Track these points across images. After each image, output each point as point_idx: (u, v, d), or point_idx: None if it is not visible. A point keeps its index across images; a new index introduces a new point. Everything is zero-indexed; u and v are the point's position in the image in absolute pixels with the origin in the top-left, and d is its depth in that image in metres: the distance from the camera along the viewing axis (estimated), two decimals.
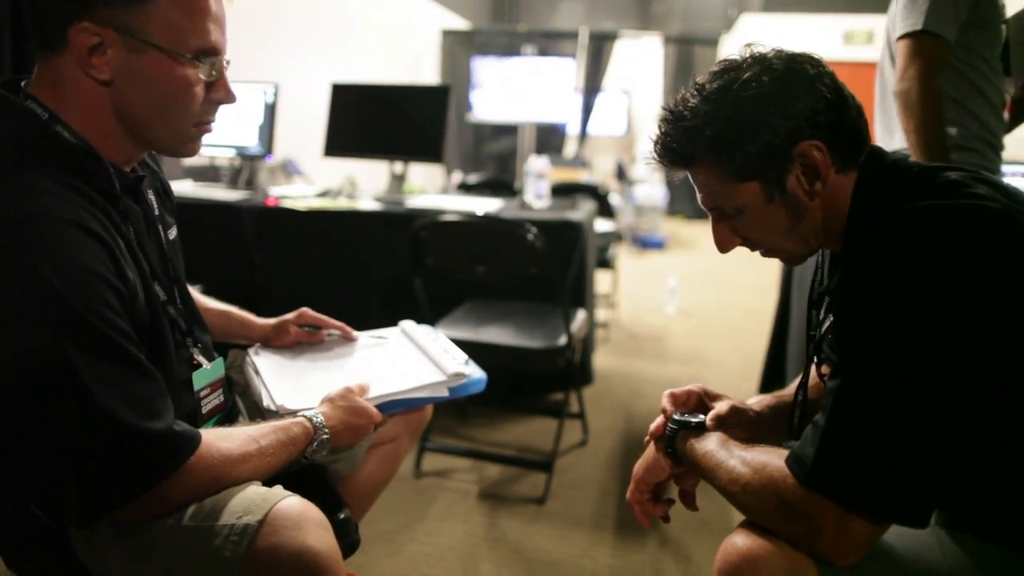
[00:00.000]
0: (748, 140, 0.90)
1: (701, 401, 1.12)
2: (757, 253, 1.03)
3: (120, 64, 0.87)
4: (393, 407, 1.19)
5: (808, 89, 0.90)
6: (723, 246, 1.00)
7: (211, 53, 0.92)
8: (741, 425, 1.07)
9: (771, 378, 2.80)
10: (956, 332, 0.77)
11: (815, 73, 0.91)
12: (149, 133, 0.94)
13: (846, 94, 0.93)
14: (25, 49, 1.90)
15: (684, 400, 1.11)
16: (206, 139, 1.01)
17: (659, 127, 0.98)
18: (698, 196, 1.00)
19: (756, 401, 1.15)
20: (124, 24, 0.86)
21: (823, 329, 1.01)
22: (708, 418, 1.03)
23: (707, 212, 1.00)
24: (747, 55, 0.95)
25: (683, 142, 0.95)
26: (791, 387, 1.18)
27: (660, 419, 1.08)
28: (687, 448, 0.99)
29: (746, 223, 0.96)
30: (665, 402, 1.10)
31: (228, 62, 0.96)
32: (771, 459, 0.86)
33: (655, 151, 0.99)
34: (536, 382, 2.96)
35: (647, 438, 1.09)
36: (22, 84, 0.91)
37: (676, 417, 1.03)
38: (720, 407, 1.07)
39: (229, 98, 0.98)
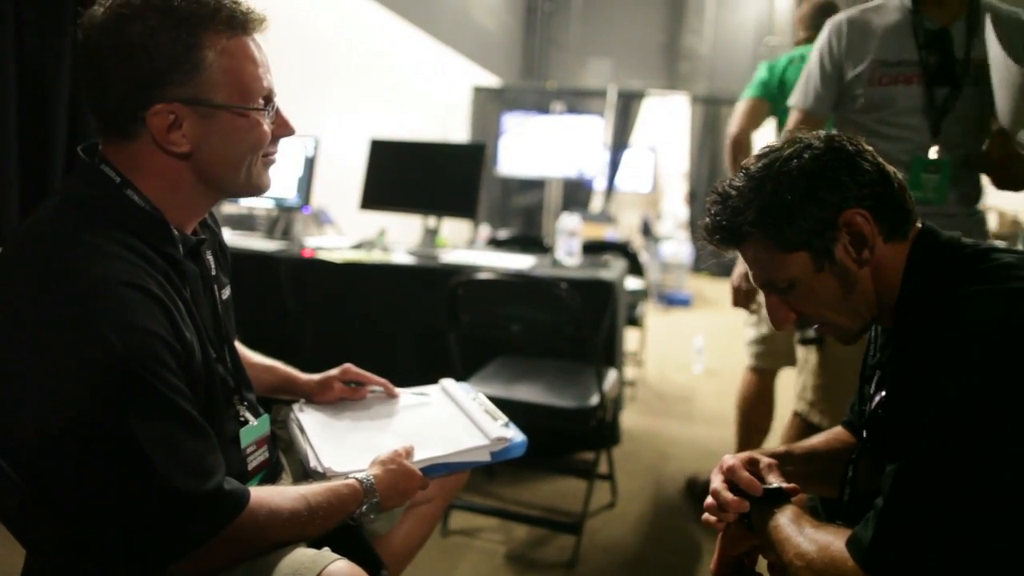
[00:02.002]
0: (794, 212, 0.93)
1: (752, 467, 1.10)
2: None
3: (196, 133, 0.91)
4: (436, 471, 1.19)
5: (849, 164, 0.93)
6: (779, 322, 1.01)
7: (269, 97, 0.97)
8: (793, 466, 1.08)
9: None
10: (1019, 419, 0.76)
11: (854, 150, 0.95)
12: (228, 184, 0.98)
13: (887, 169, 0.96)
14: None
15: (735, 469, 1.08)
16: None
17: (708, 209, 1.01)
18: (750, 274, 1.01)
19: (794, 444, 1.17)
20: (190, 95, 0.90)
21: (874, 403, 1.01)
22: (786, 486, 1.01)
23: (760, 289, 1.02)
24: (788, 140, 0.98)
25: (731, 220, 0.98)
26: (819, 441, 1.19)
27: (727, 493, 1.03)
28: (759, 519, 0.99)
29: (798, 296, 0.98)
30: (719, 481, 1.06)
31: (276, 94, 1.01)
32: (836, 539, 0.86)
33: (705, 231, 1.02)
34: (563, 441, 2.93)
35: (729, 515, 1.04)
36: (99, 147, 0.95)
37: (769, 487, 1.01)
38: (775, 472, 1.05)
39: (288, 131, 1.02)
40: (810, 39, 3.50)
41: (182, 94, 0.89)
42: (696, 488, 2.65)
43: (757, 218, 0.94)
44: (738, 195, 0.97)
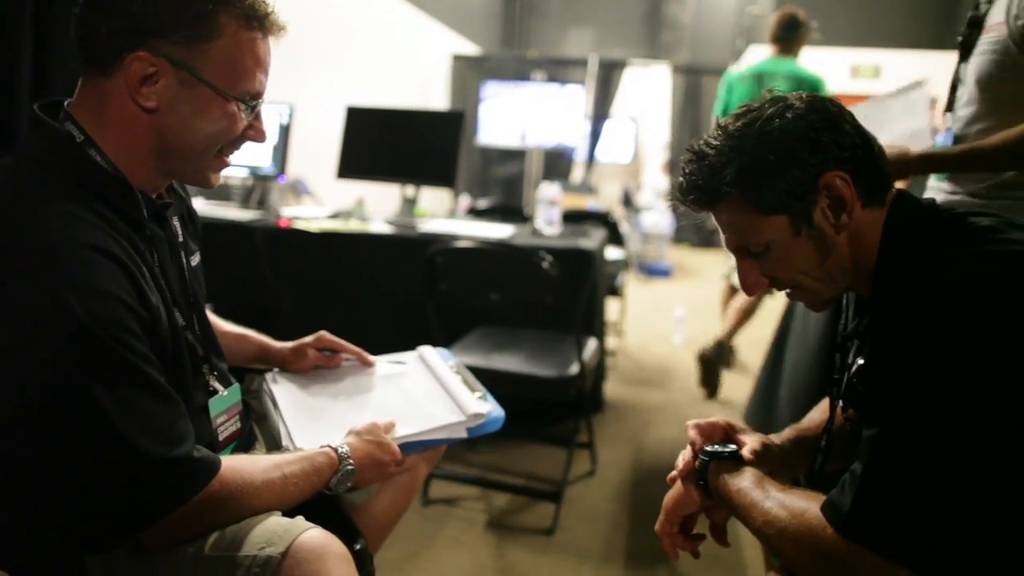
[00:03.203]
0: (774, 173, 0.90)
1: (727, 434, 1.10)
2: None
3: (169, 95, 0.89)
4: (412, 448, 1.18)
5: (831, 125, 0.91)
6: (750, 287, 0.99)
7: (256, 97, 0.95)
8: (766, 460, 1.05)
9: (757, 410, 2.72)
10: (1001, 382, 0.75)
11: (836, 111, 0.93)
12: (179, 163, 0.96)
13: (868, 133, 0.94)
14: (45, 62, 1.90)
15: (710, 432, 1.09)
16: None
17: (683, 168, 0.98)
18: (722, 238, 0.99)
19: (777, 436, 1.13)
20: (181, 58, 0.88)
21: (851, 372, 1.00)
22: (746, 451, 1.01)
23: (732, 253, 0.99)
24: (768, 98, 0.95)
25: (708, 179, 0.94)
26: (808, 422, 1.17)
27: (688, 451, 1.06)
28: (719, 482, 0.98)
29: (773, 260, 0.95)
30: (692, 433, 1.08)
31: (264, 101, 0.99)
32: (811, 505, 0.84)
33: (679, 191, 0.99)
34: (545, 410, 2.94)
35: (675, 472, 1.07)
36: (65, 103, 0.92)
37: (708, 448, 1.02)
38: (753, 442, 1.05)
39: (260, 138, 1.01)
40: (780, 51, 3.52)
41: (172, 53, 0.87)
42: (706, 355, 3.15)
43: (736, 178, 0.91)
44: (716, 154, 0.93)
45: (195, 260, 1.11)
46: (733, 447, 1.02)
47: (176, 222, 1.06)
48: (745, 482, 0.94)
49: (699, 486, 1.02)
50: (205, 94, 0.90)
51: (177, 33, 0.87)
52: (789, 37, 3.55)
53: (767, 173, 0.90)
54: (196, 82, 0.89)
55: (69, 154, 0.88)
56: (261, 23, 0.93)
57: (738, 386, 3.73)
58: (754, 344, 4.61)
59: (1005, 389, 0.75)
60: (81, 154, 0.88)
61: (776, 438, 1.12)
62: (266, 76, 0.97)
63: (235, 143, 0.98)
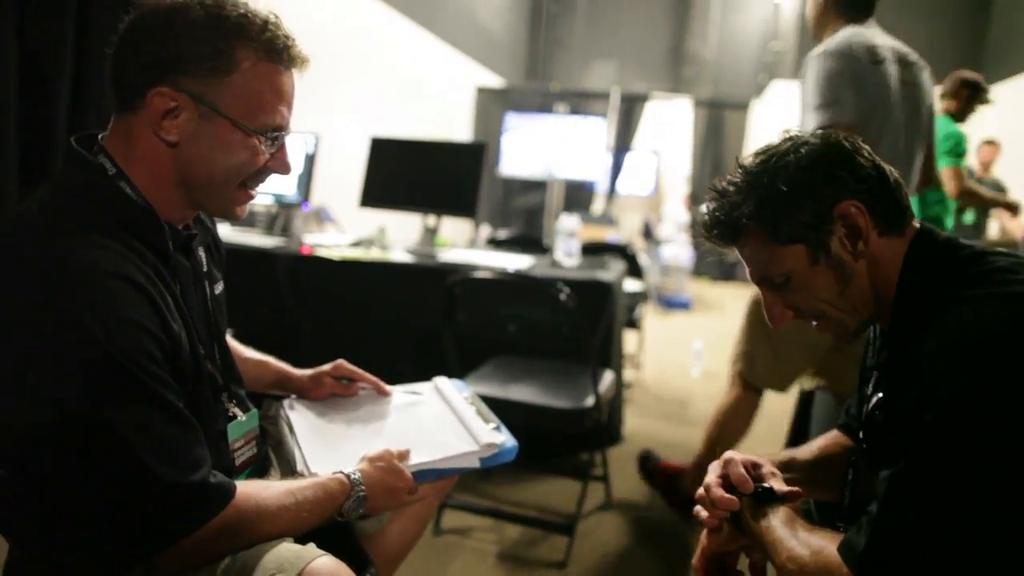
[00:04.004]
0: (790, 204, 0.94)
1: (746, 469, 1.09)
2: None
3: (190, 129, 0.91)
4: (424, 476, 1.18)
5: (845, 158, 0.95)
6: (776, 319, 1.01)
7: (278, 130, 0.97)
8: (795, 473, 1.07)
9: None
10: (1016, 427, 0.76)
11: (851, 147, 0.96)
12: (203, 196, 0.98)
13: (883, 166, 0.97)
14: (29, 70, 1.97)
15: (729, 467, 1.06)
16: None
17: (706, 206, 1.02)
18: (747, 271, 1.01)
19: (798, 450, 1.17)
20: (200, 93, 0.90)
21: (871, 405, 1.00)
22: (780, 489, 1.00)
23: (757, 286, 1.02)
24: (785, 137, 0.99)
25: (728, 215, 0.98)
26: (805, 450, 1.18)
27: (718, 487, 1.03)
28: (751, 518, 0.98)
29: (794, 291, 0.98)
30: (740, 470, 1.04)
31: (290, 132, 1.00)
32: (829, 544, 0.85)
33: (704, 228, 1.03)
34: (560, 441, 2.93)
35: (718, 511, 1.03)
36: (99, 137, 0.95)
37: (760, 486, 1.00)
38: (777, 477, 1.03)
39: (284, 170, 1.02)
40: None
41: (192, 87, 0.90)
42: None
43: (754, 211, 0.95)
44: (735, 190, 0.98)
45: (219, 288, 1.13)
46: (767, 485, 1.01)
47: (201, 252, 1.08)
48: (775, 520, 0.94)
49: (731, 522, 1.02)
50: (225, 127, 0.92)
51: (196, 68, 0.89)
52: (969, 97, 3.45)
53: (783, 204, 0.94)
54: (216, 116, 0.91)
55: (101, 186, 0.91)
56: (280, 56, 0.94)
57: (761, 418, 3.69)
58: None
59: (1019, 433, 0.76)
60: (113, 186, 0.91)
61: (797, 452, 1.16)
62: (289, 109, 0.98)
63: (258, 176, 1.00)
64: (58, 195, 0.91)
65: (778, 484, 1.01)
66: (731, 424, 2.37)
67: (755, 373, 2.27)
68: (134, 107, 0.91)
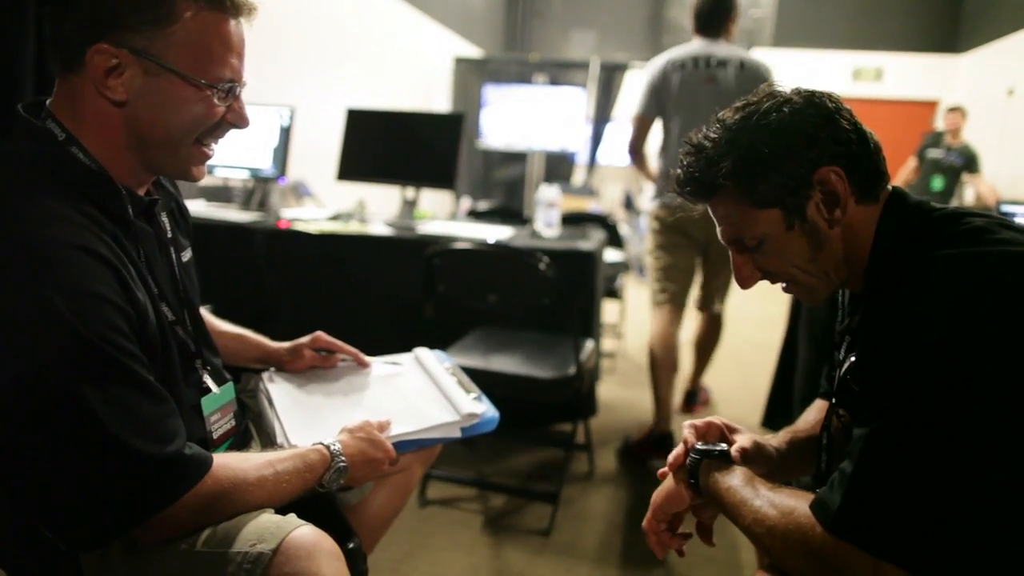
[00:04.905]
0: (769, 167, 0.91)
1: (722, 433, 1.10)
2: (763, 288, 1.03)
3: (136, 86, 0.88)
4: (406, 446, 1.19)
5: (828, 120, 0.92)
6: (744, 280, 1.00)
7: (228, 81, 0.93)
8: (761, 461, 1.06)
9: (775, 412, 2.77)
10: (990, 382, 0.76)
11: (834, 107, 0.94)
12: (157, 156, 0.94)
13: (865, 129, 0.95)
14: (46, 65, 1.92)
15: (705, 431, 1.10)
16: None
17: (682, 160, 0.99)
18: (718, 230, 1.00)
19: (773, 437, 1.15)
20: (142, 47, 0.86)
21: (843, 369, 1.01)
22: (734, 450, 1.02)
23: (727, 246, 1.00)
24: (766, 92, 0.96)
25: (705, 172, 0.95)
26: (803, 423, 1.17)
27: (680, 448, 1.06)
28: (710, 480, 0.98)
29: (766, 254, 0.96)
30: (686, 432, 1.09)
31: (244, 84, 0.97)
32: (800, 504, 0.85)
33: (678, 183, 1.00)
34: (541, 412, 2.95)
35: (665, 468, 1.07)
36: (46, 103, 0.92)
37: (699, 447, 1.02)
38: (743, 440, 1.05)
39: (241, 123, 0.98)
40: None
41: (133, 42, 0.86)
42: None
43: (731, 171, 0.92)
44: (713, 147, 0.95)
45: (186, 256, 1.11)
46: (724, 446, 1.03)
47: (165, 218, 1.06)
48: (735, 480, 0.94)
49: (689, 484, 1.02)
50: (173, 82, 0.89)
51: (136, 21, 0.85)
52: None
53: (762, 166, 0.91)
54: (161, 70, 0.88)
55: (51, 153, 0.88)
56: (223, 3, 0.90)
57: (734, 384, 3.73)
58: (762, 349, 4.62)
59: (994, 389, 0.76)
60: (63, 152, 0.88)
61: (772, 439, 1.13)
62: (240, 60, 0.94)
63: (215, 131, 0.97)
64: (6, 165, 0.87)
65: (734, 448, 1.02)
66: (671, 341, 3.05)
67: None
68: (75, 67, 0.88)
